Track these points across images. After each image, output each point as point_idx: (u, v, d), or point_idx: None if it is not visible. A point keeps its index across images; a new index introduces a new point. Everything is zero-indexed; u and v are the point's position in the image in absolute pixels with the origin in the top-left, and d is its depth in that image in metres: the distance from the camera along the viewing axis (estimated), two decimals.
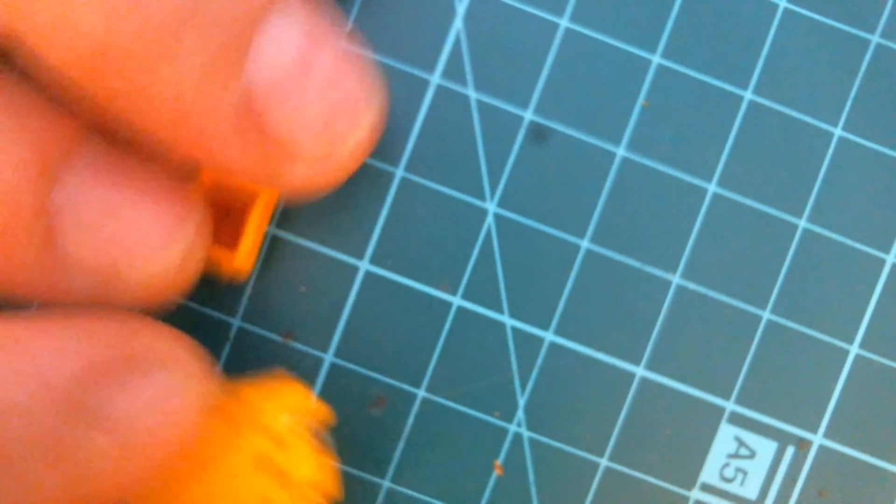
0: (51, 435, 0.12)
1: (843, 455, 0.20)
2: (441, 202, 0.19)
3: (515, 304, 0.19)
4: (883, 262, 0.20)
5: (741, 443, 0.20)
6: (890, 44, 0.20)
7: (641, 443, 0.20)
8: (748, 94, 0.19)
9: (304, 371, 0.20)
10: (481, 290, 0.19)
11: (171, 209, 0.14)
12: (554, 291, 0.19)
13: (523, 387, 0.20)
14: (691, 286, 0.20)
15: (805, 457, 0.20)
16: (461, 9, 0.19)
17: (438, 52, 0.19)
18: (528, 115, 0.19)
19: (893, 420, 0.20)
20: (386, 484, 0.20)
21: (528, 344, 0.20)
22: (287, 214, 0.19)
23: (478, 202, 0.19)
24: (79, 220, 0.13)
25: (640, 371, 0.20)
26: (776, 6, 0.19)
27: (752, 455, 0.20)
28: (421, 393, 0.20)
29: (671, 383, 0.20)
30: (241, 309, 0.20)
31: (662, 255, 0.20)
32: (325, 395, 0.20)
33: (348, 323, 0.20)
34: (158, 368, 0.14)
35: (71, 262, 0.14)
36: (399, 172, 0.19)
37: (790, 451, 0.20)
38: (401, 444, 0.20)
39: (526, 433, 0.20)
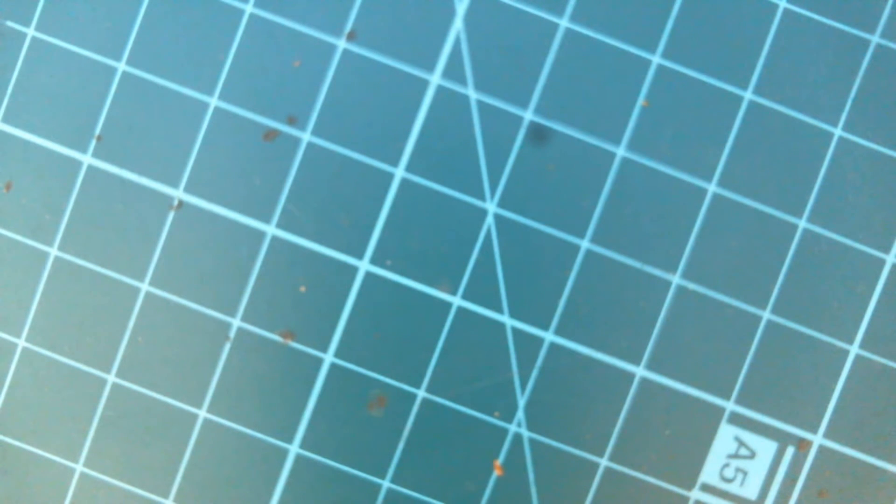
0: None
1: (843, 455, 0.20)
2: (441, 202, 0.19)
3: (515, 304, 0.19)
4: (883, 262, 0.20)
5: (741, 443, 0.20)
6: (890, 44, 0.20)
7: (641, 443, 0.20)
8: (748, 94, 0.19)
9: (304, 371, 0.20)
10: (481, 290, 0.19)
11: None
12: (554, 291, 0.19)
13: (523, 387, 0.20)
14: (691, 286, 0.20)
15: (805, 457, 0.20)
16: (461, 9, 0.19)
17: (438, 52, 0.19)
18: (528, 115, 0.19)
19: (893, 420, 0.20)
20: (386, 484, 0.20)
21: (528, 344, 0.20)
22: (286, 214, 0.20)
23: (478, 202, 0.19)
24: None
25: (640, 371, 0.20)
26: (776, 6, 0.19)
27: (752, 455, 0.20)
28: (421, 393, 0.20)
29: (671, 383, 0.20)
30: (241, 309, 0.20)
31: (662, 255, 0.20)
32: (325, 395, 0.20)
33: (348, 323, 0.20)
34: None
35: None
36: (399, 172, 0.19)
37: (790, 451, 0.20)
38: (401, 444, 0.20)
39: (526, 433, 0.20)
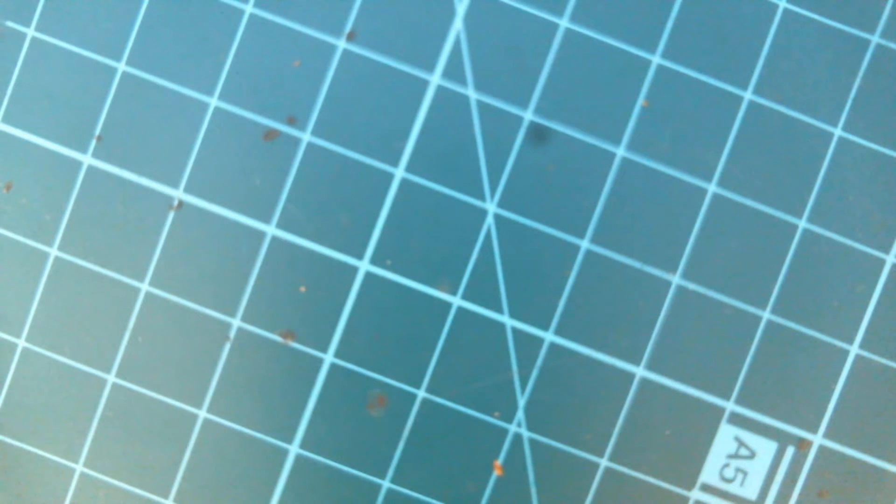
0: None
1: (843, 455, 0.20)
2: (441, 202, 0.19)
3: (515, 304, 0.19)
4: (883, 262, 0.20)
5: (741, 443, 0.20)
6: (890, 44, 0.20)
7: (641, 443, 0.20)
8: (748, 94, 0.19)
9: (304, 371, 0.20)
10: (481, 290, 0.19)
11: None
12: (554, 291, 0.19)
13: (523, 387, 0.20)
14: (691, 286, 0.20)
15: (805, 457, 0.20)
16: (461, 9, 0.19)
17: (438, 52, 0.19)
18: (528, 115, 0.19)
19: (893, 420, 0.20)
20: (386, 484, 0.20)
21: (528, 344, 0.20)
22: (286, 214, 0.20)
23: (478, 202, 0.19)
24: None
25: (640, 371, 0.20)
26: (776, 6, 0.19)
27: (752, 455, 0.20)
28: (421, 393, 0.20)
29: (671, 383, 0.20)
30: (241, 309, 0.20)
31: (662, 255, 0.20)
32: (325, 395, 0.20)
33: (348, 323, 0.20)
34: None
35: None
36: (399, 172, 0.19)
37: (790, 451, 0.20)
38: (401, 444, 0.20)
39: (526, 433, 0.20)
